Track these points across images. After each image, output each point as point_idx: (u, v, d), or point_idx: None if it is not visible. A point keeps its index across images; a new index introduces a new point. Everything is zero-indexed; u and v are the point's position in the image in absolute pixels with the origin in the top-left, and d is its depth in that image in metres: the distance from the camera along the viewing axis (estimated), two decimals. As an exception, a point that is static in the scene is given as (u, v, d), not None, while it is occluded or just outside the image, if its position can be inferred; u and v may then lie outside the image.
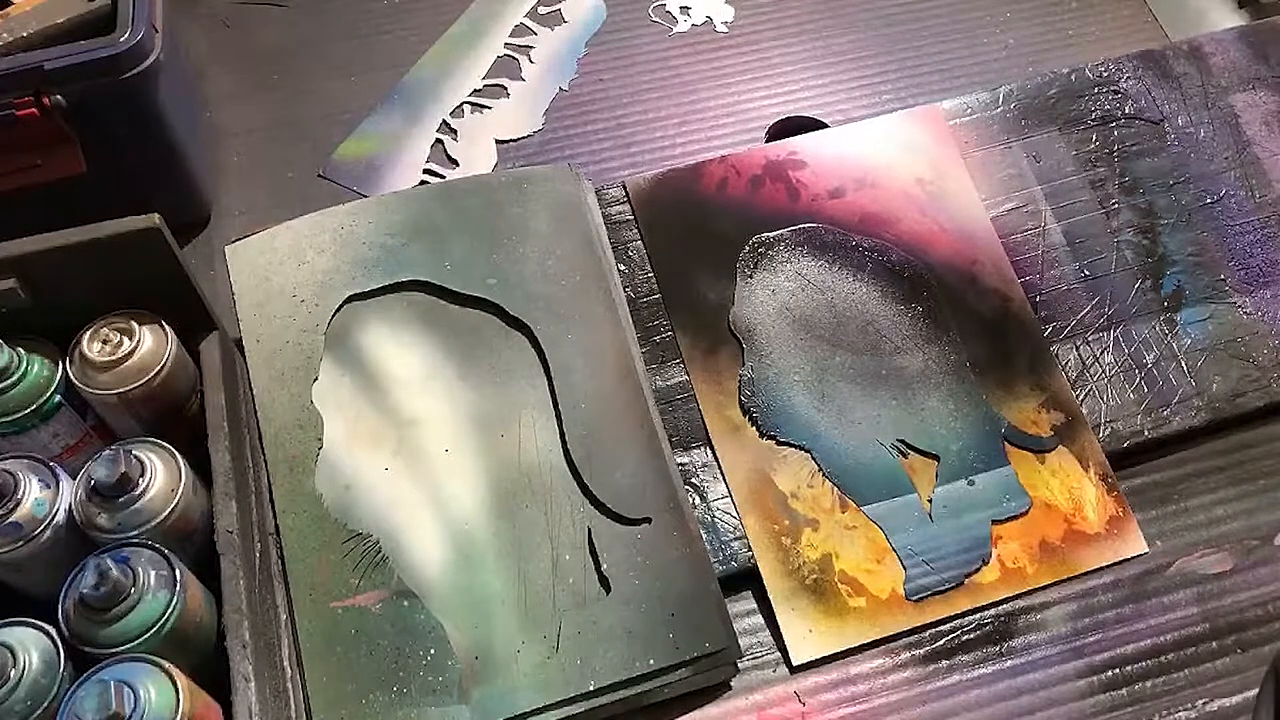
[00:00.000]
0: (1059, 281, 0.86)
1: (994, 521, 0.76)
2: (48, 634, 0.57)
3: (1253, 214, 0.91)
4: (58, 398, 0.65)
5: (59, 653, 0.56)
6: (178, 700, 0.54)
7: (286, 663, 0.67)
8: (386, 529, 0.72)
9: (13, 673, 0.54)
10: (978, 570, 0.74)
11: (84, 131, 0.76)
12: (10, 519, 0.59)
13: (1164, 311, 0.86)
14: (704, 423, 0.79)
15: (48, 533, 0.60)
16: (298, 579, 0.70)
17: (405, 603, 0.69)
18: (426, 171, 0.94)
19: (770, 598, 0.73)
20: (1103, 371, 0.83)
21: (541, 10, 1.05)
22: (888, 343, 0.83)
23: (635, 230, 0.87)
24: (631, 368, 0.79)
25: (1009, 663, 0.72)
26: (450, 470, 0.74)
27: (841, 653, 0.72)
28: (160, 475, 0.62)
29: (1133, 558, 0.76)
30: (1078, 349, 0.84)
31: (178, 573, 0.59)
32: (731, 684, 0.71)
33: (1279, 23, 1.02)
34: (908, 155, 0.91)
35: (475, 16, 1.04)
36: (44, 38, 0.76)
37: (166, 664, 0.55)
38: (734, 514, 0.76)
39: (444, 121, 0.97)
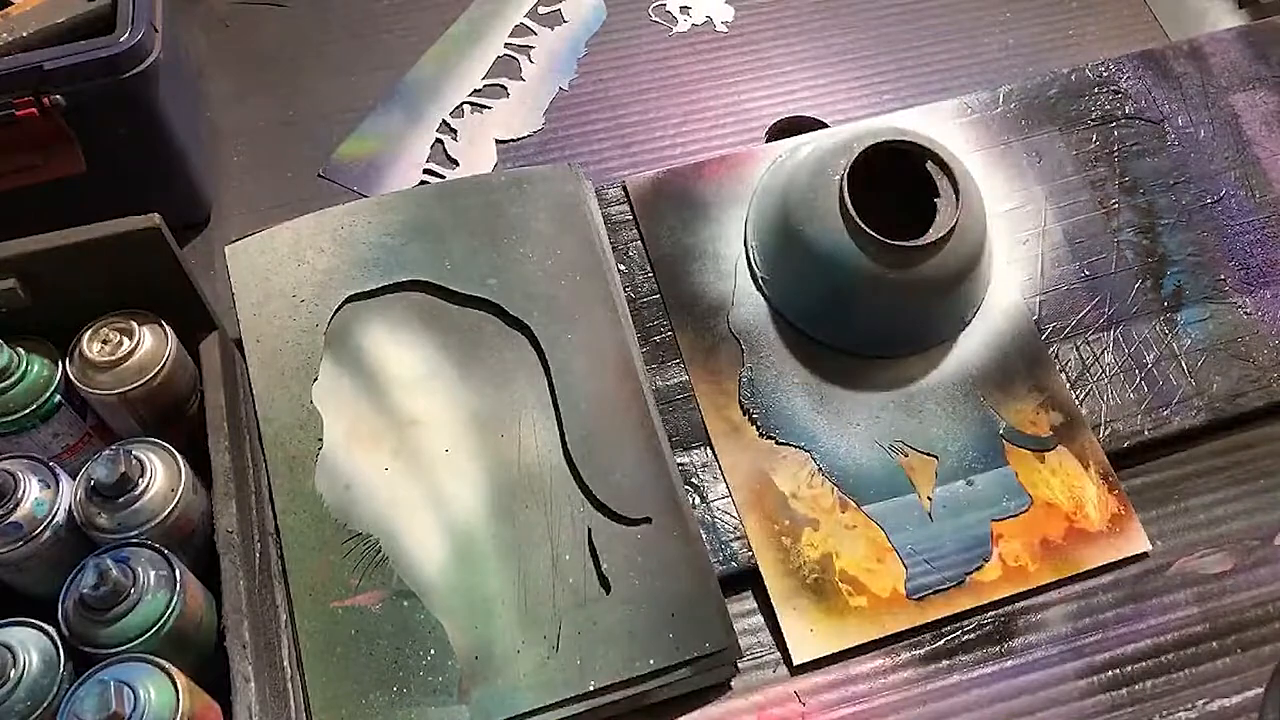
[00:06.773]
0: (1059, 281, 0.86)
1: (994, 520, 0.76)
2: (48, 634, 0.57)
3: (1253, 214, 0.91)
4: (58, 398, 0.65)
5: (59, 653, 0.56)
6: (178, 700, 0.54)
7: (286, 663, 0.67)
8: (386, 529, 0.72)
9: (13, 673, 0.54)
10: (979, 569, 0.74)
11: (84, 131, 0.76)
12: (10, 519, 0.59)
13: (1164, 311, 0.86)
14: (704, 423, 0.79)
15: (48, 533, 0.60)
16: (298, 579, 0.70)
17: (405, 603, 0.69)
18: (426, 171, 0.94)
19: (770, 597, 0.73)
20: (1103, 371, 0.83)
21: (541, 10, 1.05)
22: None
23: (635, 230, 0.87)
24: (631, 368, 0.79)
25: (1009, 663, 0.72)
26: (450, 470, 0.74)
27: (842, 652, 0.72)
28: (160, 475, 0.62)
29: (1133, 557, 0.76)
30: (1078, 349, 0.84)
31: (177, 573, 0.59)
32: (731, 684, 0.71)
33: (1279, 23, 1.02)
34: (908, 155, 0.90)
35: (475, 16, 1.04)
36: (44, 38, 0.76)
37: (166, 664, 0.55)
38: (734, 514, 0.76)
39: (444, 121, 0.97)
